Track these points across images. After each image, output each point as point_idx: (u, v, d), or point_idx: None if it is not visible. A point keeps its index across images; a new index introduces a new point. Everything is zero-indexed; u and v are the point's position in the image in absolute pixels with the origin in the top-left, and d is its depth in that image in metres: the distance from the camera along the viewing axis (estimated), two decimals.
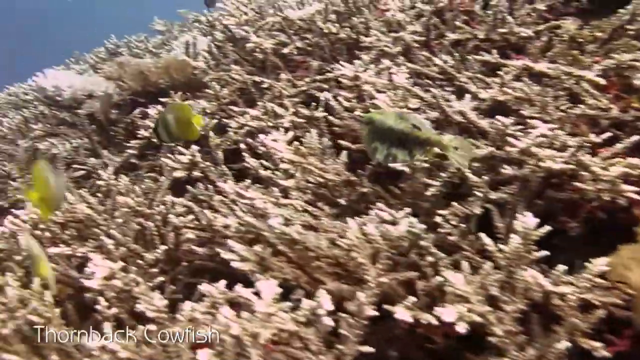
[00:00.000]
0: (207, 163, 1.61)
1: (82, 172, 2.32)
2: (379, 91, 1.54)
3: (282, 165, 1.36)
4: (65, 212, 1.48)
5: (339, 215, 1.42)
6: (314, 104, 1.90)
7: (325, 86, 2.00)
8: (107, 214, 1.42)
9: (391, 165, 1.26)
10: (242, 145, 1.83)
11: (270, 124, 1.86)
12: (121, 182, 1.55)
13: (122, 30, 4.61)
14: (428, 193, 1.27)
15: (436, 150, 1.08)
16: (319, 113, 1.88)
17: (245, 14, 2.33)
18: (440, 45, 1.98)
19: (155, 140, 1.84)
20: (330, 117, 1.70)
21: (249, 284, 1.30)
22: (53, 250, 1.29)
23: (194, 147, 1.58)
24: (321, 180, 1.39)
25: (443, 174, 1.27)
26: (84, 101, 2.72)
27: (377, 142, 1.14)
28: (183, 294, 1.41)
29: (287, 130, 1.84)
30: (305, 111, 1.92)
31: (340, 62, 1.84)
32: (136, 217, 1.43)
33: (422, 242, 1.01)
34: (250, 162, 1.55)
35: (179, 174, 1.54)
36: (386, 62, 1.72)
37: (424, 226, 1.03)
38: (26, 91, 4.20)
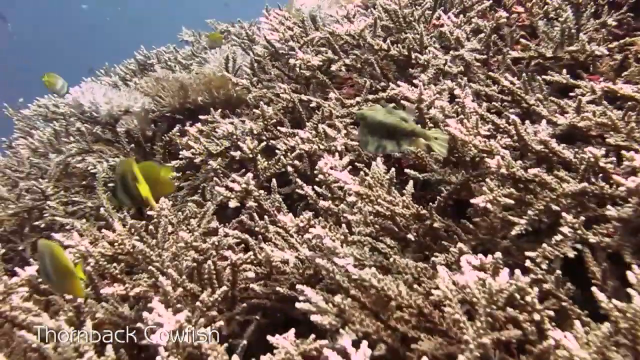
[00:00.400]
0: (261, 192, 1.51)
1: None
2: (447, 116, 1.43)
3: (349, 199, 1.26)
4: (114, 244, 1.39)
5: (407, 252, 1.31)
6: None
7: (379, 106, 1.90)
8: (158, 247, 1.33)
9: (381, 153, 1.45)
10: (290, 169, 1.74)
11: (322, 147, 1.76)
12: (169, 211, 1.45)
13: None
14: (513, 232, 1.15)
15: (421, 140, 1.20)
16: None
17: (290, 29, 2.24)
18: (499, 63, 1.87)
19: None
20: None
21: (306, 323, 1.21)
22: (106, 290, 1.20)
23: (249, 175, 1.48)
24: (388, 213, 1.28)
25: (530, 212, 1.16)
26: (120, 117, 2.65)
27: (369, 135, 1.25)
28: (239, 334, 1.32)
29: (340, 154, 1.75)
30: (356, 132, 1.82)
31: (398, 81, 1.74)
32: (188, 250, 1.33)
33: (528, 298, 0.90)
34: (307, 190, 1.45)
35: (233, 203, 1.45)
36: (448, 83, 1.61)
37: (527, 279, 0.92)
38: (57, 103, 4.18)
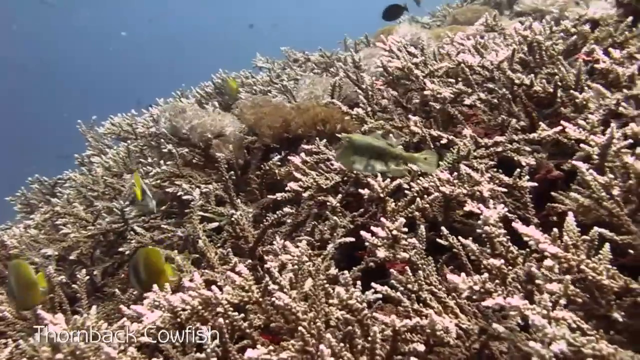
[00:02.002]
0: (411, 240, 1.27)
1: (215, 224, 2.05)
2: None
3: (546, 263, 1.01)
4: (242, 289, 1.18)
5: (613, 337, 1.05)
6: (518, 170, 1.56)
7: (527, 148, 1.66)
8: (304, 302, 1.10)
9: (370, 173, 1.50)
10: (417, 213, 1.51)
11: (465, 191, 1.53)
12: (308, 257, 1.23)
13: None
14: None
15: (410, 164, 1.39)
16: (525, 182, 1.54)
17: (414, 55, 2.03)
18: None
19: None
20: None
21: None
22: (250, 354, 0.97)
23: (401, 220, 1.25)
24: (593, 284, 1.03)
25: None
26: (209, 140, 2.48)
27: (356, 156, 1.37)
28: None
29: (485, 201, 1.51)
30: (505, 178, 1.58)
31: (563, 121, 1.49)
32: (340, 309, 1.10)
33: None
34: (472, 247, 1.21)
35: (382, 253, 1.22)
36: (635, 127, 1.35)
37: None
38: (131, 122, 4.09)
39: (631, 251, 1.25)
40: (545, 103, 1.84)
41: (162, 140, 2.62)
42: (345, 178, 1.89)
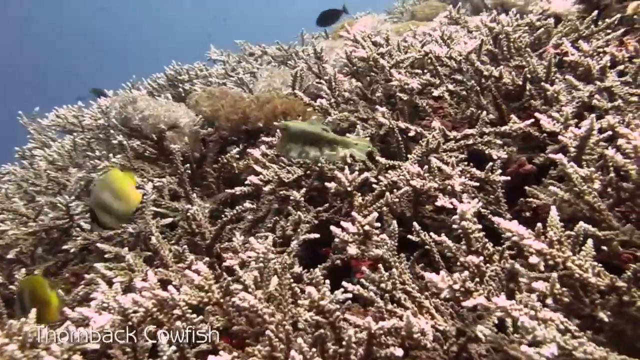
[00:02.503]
0: (382, 236, 1.19)
1: (169, 220, 1.92)
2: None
3: (531, 259, 0.95)
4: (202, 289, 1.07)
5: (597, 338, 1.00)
6: (490, 163, 1.50)
7: (498, 141, 1.61)
8: (273, 305, 1.00)
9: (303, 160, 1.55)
10: (385, 209, 1.44)
11: (436, 185, 1.46)
12: (273, 254, 1.13)
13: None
14: None
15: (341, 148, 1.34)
16: (497, 176, 1.49)
17: (379, 45, 1.96)
18: None
19: None
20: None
21: None
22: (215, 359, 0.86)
23: (374, 215, 1.16)
24: (578, 283, 0.97)
25: None
26: (162, 131, 2.33)
27: (291, 143, 1.36)
28: None
29: (457, 195, 1.44)
30: (477, 172, 1.52)
31: (536, 113, 1.44)
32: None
33: None
34: (448, 244, 1.14)
35: (353, 250, 1.13)
36: (611, 119, 1.31)
37: None
38: (77, 114, 3.88)
39: (605, 248, 1.21)
40: (513, 96, 1.80)
41: (112, 131, 2.45)
42: (309, 171, 1.80)
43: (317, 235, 1.53)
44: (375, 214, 1.15)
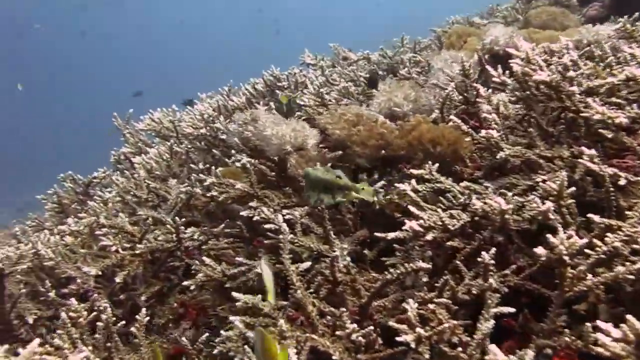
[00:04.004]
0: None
1: (307, 264, 1.66)
2: None
3: None
4: None
5: None
6: None
7: None
8: None
9: (320, 206, 1.59)
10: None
11: None
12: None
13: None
14: None
15: (353, 193, 1.43)
16: None
17: (566, 67, 1.63)
18: None
19: None
20: None
21: None
22: None
23: None
24: None
25: None
26: (288, 153, 2.07)
27: (310, 190, 1.45)
28: None
29: None
30: None
31: None
32: None
33: None
34: None
35: None
36: None
37: None
38: (172, 119, 3.74)
39: None
40: None
41: (234, 151, 2.23)
42: (477, 217, 1.50)
43: (511, 310, 1.23)
44: None
